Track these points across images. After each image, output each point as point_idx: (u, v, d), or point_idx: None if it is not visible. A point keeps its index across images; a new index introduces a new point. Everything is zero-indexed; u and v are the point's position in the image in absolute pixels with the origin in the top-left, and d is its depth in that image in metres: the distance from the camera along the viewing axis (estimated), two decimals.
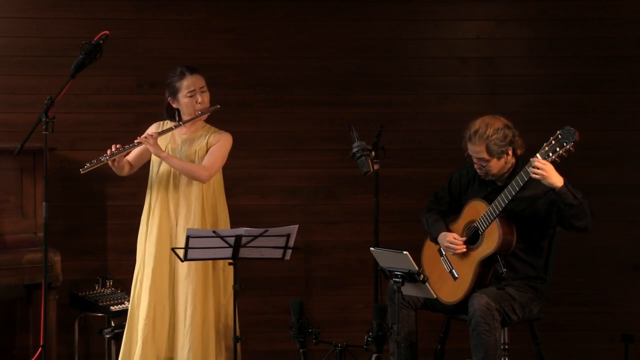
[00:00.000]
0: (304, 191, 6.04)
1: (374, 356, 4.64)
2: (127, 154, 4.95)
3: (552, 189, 4.60)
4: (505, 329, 4.81)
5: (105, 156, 4.85)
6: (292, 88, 6.01)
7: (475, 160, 4.83)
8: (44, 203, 4.77)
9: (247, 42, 5.98)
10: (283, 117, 6.01)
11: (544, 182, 4.58)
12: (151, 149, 4.86)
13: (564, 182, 4.58)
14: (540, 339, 4.99)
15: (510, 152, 4.81)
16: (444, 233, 4.93)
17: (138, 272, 4.97)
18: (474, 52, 6.05)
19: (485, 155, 4.77)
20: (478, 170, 4.87)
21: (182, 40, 5.95)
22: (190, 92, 4.92)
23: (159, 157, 4.91)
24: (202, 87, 4.95)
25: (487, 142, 4.75)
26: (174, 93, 4.96)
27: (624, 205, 6.06)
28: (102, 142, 5.87)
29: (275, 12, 5.99)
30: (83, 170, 4.89)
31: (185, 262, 4.83)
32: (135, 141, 4.87)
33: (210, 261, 4.87)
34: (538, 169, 4.54)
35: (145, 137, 4.87)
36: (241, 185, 5.86)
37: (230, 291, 4.85)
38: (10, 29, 5.86)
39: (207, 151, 4.95)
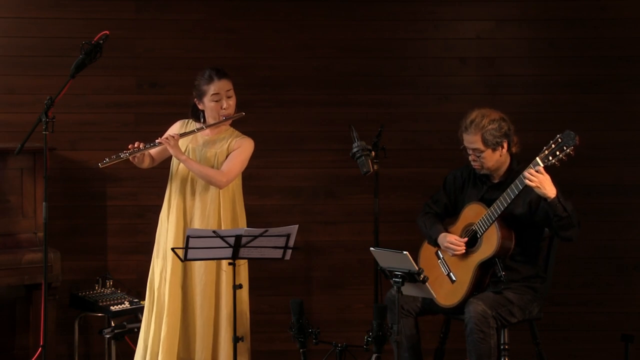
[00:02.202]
0: (304, 191, 6.04)
1: (374, 356, 4.64)
2: (148, 151, 4.92)
3: (544, 198, 4.61)
4: (505, 329, 4.81)
5: (126, 153, 4.82)
6: (292, 88, 6.02)
7: (470, 151, 4.83)
8: (44, 203, 4.78)
9: (247, 42, 5.98)
10: (283, 117, 6.01)
11: (537, 191, 4.58)
12: (171, 150, 4.85)
13: (557, 194, 4.59)
14: (540, 339, 4.99)
15: (505, 145, 4.81)
16: (444, 234, 4.93)
17: (162, 270, 4.95)
18: (474, 52, 6.05)
19: (481, 146, 4.78)
20: (473, 163, 4.87)
21: (182, 40, 5.95)
22: (216, 97, 4.90)
23: (178, 159, 4.89)
24: (229, 92, 4.93)
25: (482, 132, 4.76)
26: (200, 96, 4.94)
27: (624, 205, 6.06)
28: (102, 142, 5.90)
29: (275, 12, 5.99)
30: (102, 165, 4.86)
31: (199, 263, 4.85)
32: (157, 141, 4.85)
33: (223, 261, 4.87)
34: (532, 175, 4.54)
35: (167, 138, 4.84)
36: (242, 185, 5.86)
37: (243, 290, 4.88)
38: (10, 29, 5.86)
39: (227, 155, 4.94)
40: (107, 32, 4.76)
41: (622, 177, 6.05)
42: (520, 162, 4.84)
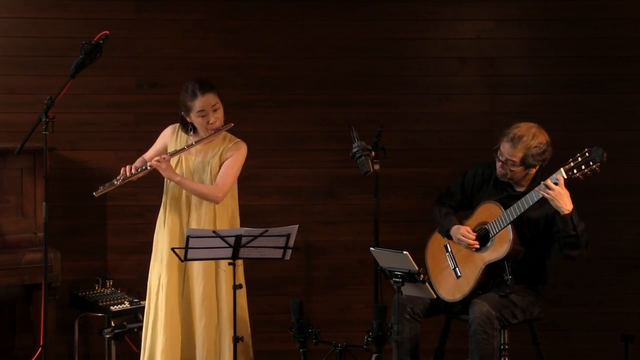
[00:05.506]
0: (304, 191, 6.04)
1: (374, 356, 4.64)
2: (141, 176, 4.88)
3: (557, 211, 4.61)
4: (506, 329, 4.81)
5: (118, 179, 4.81)
6: (292, 88, 6.02)
7: (502, 159, 4.80)
8: (44, 203, 4.77)
9: (247, 42, 5.98)
10: (283, 117, 6.01)
11: (552, 203, 4.58)
12: (164, 173, 4.81)
13: (571, 211, 4.59)
14: (540, 339, 4.99)
15: (538, 167, 4.80)
16: (457, 226, 4.92)
17: (160, 274, 4.94)
18: (474, 52, 6.05)
19: (517, 161, 4.75)
20: (500, 169, 4.84)
21: (182, 40, 5.95)
22: (201, 113, 4.84)
23: (172, 180, 4.85)
24: (215, 105, 4.85)
25: (526, 152, 4.73)
26: (186, 111, 4.89)
27: (624, 205, 6.06)
28: (102, 142, 5.90)
29: (275, 12, 5.99)
30: (97, 194, 4.86)
31: (197, 268, 4.85)
32: (148, 164, 4.81)
33: (221, 261, 4.86)
34: (549, 188, 4.54)
35: (158, 161, 4.78)
36: (241, 185, 5.84)
37: (241, 294, 4.87)
38: (10, 29, 5.86)
39: (220, 164, 4.91)
40: (107, 32, 4.76)
41: (622, 177, 6.05)
42: (544, 171, 4.82)
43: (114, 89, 5.94)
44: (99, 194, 4.87)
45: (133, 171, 4.81)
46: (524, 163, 4.75)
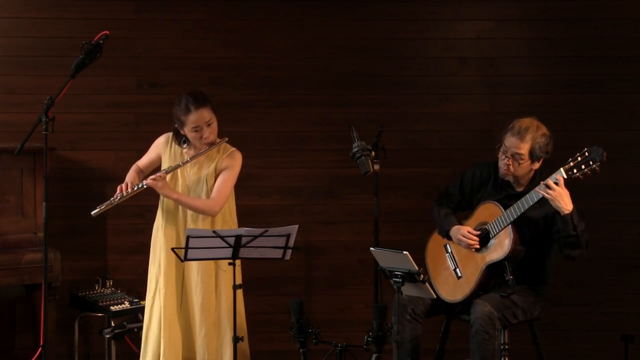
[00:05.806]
0: (304, 191, 6.04)
1: (374, 356, 4.64)
2: (136, 193, 4.88)
3: (557, 212, 4.61)
4: (506, 329, 4.80)
5: (115, 198, 4.81)
6: (292, 88, 6.02)
7: (508, 154, 4.79)
8: (43, 203, 4.77)
9: (247, 42, 5.98)
10: (283, 117, 6.01)
11: (552, 203, 4.58)
12: (160, 191, 4.80)
13: (571, 211, 4.59)
14: (540, 339, 4.99)
15: (541, 161, 4.80)
16: (457, 226, 4.92)
17: (157, 279, 4.93)
18: (474, 52, 6.05)
19: (525, 154, 4.75)
20: (505, 167, 4.82)
21: (182, 40, 5.95)
22: (195, 128, 4.82)
23: (169, 198, 4.84)
24: (209, 120, 4.81)
25: (533, 143, 4.74)
26: (180, 124, 4.87)
27: (624, 205, 6.06)
28: (102, 142, 5.91)
29: (275, 12, 5.99)
30: (94, 213, 4.86)
31: (195, 270, 4.84)
32: (144, 182, 4.80)
33: (220, 261, 4.86)
34: (549, 188, 4.55)
35: (154, 179, 4.77)
36: (241, 185, 5.85)
37: (240, 293, 4.86)
38: (10, 29, 5.86)
39: (215, 176, 4.90)
40: (107, 32, 4.76)
41: (622, 177, 6.05)
42: (544, 171, 4.82)
43: (114, 89, 5.94)
44: (97, 214, 4.87)
45: (129, 190, 4.81)
46: (531, 155, 4.76)
